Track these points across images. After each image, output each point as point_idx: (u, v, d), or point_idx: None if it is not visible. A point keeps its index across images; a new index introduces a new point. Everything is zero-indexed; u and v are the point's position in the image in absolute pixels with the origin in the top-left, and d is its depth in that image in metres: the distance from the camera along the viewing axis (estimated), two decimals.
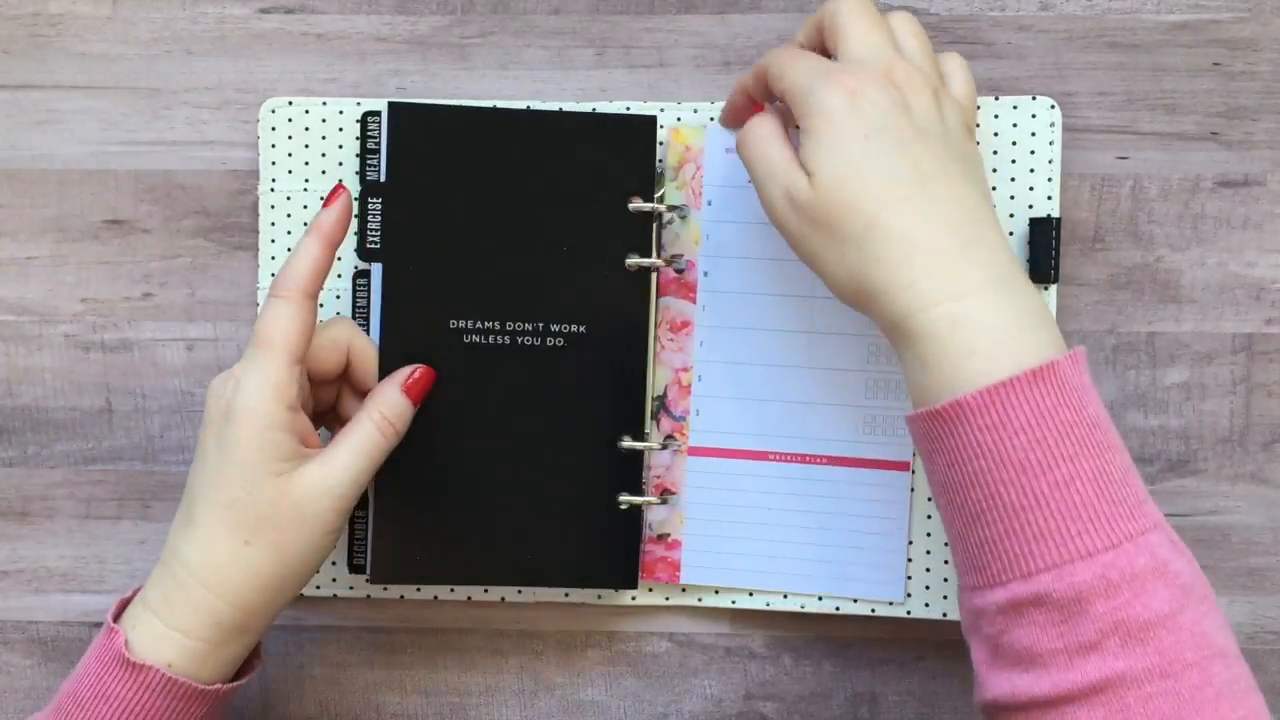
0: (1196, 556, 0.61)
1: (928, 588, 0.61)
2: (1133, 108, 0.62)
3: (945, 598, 0.62)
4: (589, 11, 0.63)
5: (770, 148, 0.52)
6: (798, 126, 0.51)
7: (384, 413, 0.55)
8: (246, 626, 0.54)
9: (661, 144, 0.61)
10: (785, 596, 0.62)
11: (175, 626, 0.52)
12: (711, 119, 0.62)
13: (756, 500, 0.60)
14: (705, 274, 0.60)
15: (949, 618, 0.61)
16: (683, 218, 0.60)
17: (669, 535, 0.60)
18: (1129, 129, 0.62)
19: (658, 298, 0.60)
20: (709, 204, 0.60)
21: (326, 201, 0.56)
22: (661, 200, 0.60)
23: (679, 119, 0.62)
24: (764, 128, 0.52)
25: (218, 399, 0.53)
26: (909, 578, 0.61)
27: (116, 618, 0.54)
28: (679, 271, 0.60)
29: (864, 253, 0.48)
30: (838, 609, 0.61)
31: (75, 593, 0.64)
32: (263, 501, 0.52)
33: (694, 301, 0.60)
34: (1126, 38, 0.62)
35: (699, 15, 0.63)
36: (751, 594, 0.61)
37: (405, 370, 0.57)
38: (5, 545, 0.65)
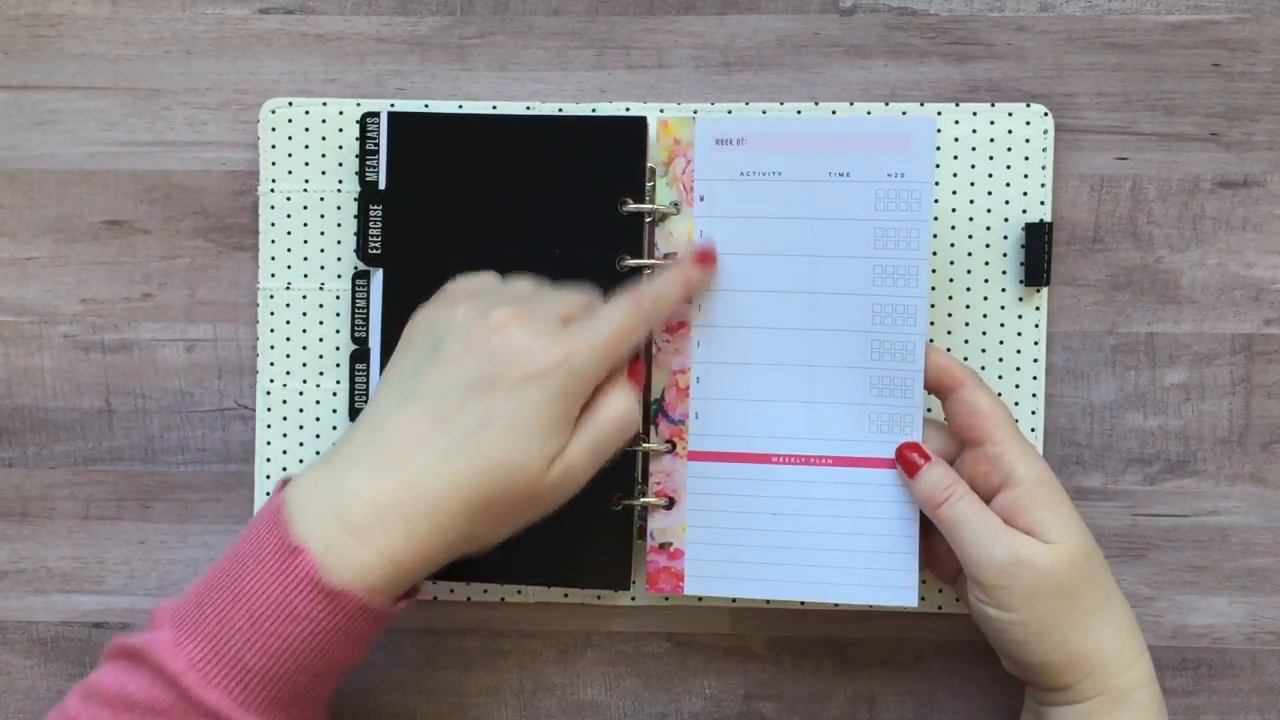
0: (1195, 557, 0.63)
1: (924, 581, 0.62)
2: (1132, 108, 0.63)
3: (940, 591, 0.62)
4: (588, 12, 0.64)
5: (981, 509, 0.55)
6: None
7: (617, 408, 0.54)
8: (450, 559, 0.52)
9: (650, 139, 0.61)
10: (803, 605, 0.62)
11: (390, 556, 0.50)
12: (696, 111, 0.62)
13: (760, 505, 0.59)
14: None
15: (944, 610, 0.62)
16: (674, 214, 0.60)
17: (671, 544, 0.60)
18: (1128, 130, 0.63)
19: None
20: (701, 199, 0.59)
21: (700, 259, 0.58)
22: (652, 198, 0.60)
23: (661, 110, 0.63)
24: (964, 486, 0.55)
25: (531, 354, 0.51)
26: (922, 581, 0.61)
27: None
28: None
29: (1103, 620, 0.54)
30: (837, 606, 0.62)
31: (75, 593, 0.65)
32: (529, 486, 0.51)
33: (690, 301, 0.60)
34: (1126, 38, 0.63)
35: (698, 16, 0.64)
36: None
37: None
38: (5, 545, 0.65)
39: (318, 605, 0.49)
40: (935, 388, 0.57)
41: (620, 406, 0.53)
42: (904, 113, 0.62)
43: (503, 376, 0.51)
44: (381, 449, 0.51)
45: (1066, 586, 0.53)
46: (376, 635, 0.51)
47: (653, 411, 0.60)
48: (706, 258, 0.58)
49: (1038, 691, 0.57)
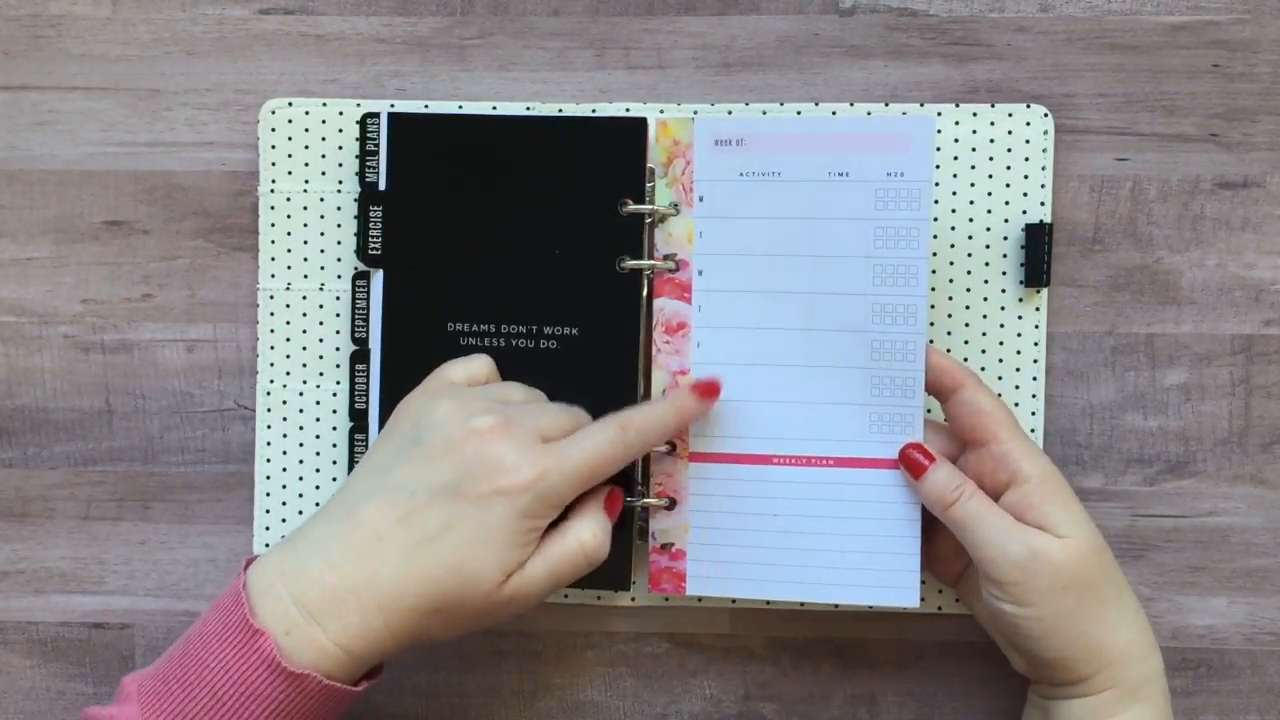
0: (1195, 557, 0.63)
1: (924, 581, 0.62)
2: (1132, 109, 0.63)
3: (940, 591, 0.63)
4: (588, 13, 0.64)
5: (992, 507, 0.55)
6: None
7: (584, 532, 0.55)
8: (404, 650, 0.53)
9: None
10: (802, 605, 0.62)
11: (342, 644, 0.51)
12: (696, 112, 0.63)
13: (761, 506, 0.59)
14: (700, 273, 0.59)
15: (944, 610, 0.62)
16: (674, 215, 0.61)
17: (673, 545, 0.60)
18: (1128, 130, 0.63)
19: (651, 299, 0.60)
20: (701, 200, 0.59)
21: (701, 390, 0.58)
22: (652, 199, 0.60)
23: (661, 110, 0.63)
24: (973, 485, 0.56)
25: (508, 466, 0.52)
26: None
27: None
28: (672, 271, 0.60)
29: (1118, 613, 0.55)
30: (837, 607, 0.62)
31: (75, 593, 0.65)
32: (482, 598, 0.52)
33: (689, 302, 0.60)
34: (1126, 39, 0.63)
35: (698, 17, 0.64)
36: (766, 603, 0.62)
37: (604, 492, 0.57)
38: (5, 545, 0.65)
39: (278, 687, 0.50)
40: (936, 389, 0.57)
41: (588, 536, 0.54)
42: (904, 113, 0.62)
43: (473, 486, 0.52)
44: (346, 537, 0.52)
45: (1082, 580, 0.54)
46: (339, 711, 0.53)
47: None
48: (709, 390, 0.58)
49: (1047, 687, 0.57)
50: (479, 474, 0.52)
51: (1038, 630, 0.54)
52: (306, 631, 0.51)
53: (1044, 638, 0.54)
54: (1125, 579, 0.56)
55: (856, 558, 0.58)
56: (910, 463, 0.57)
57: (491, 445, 0.52)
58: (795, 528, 0.59)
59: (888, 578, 0.58)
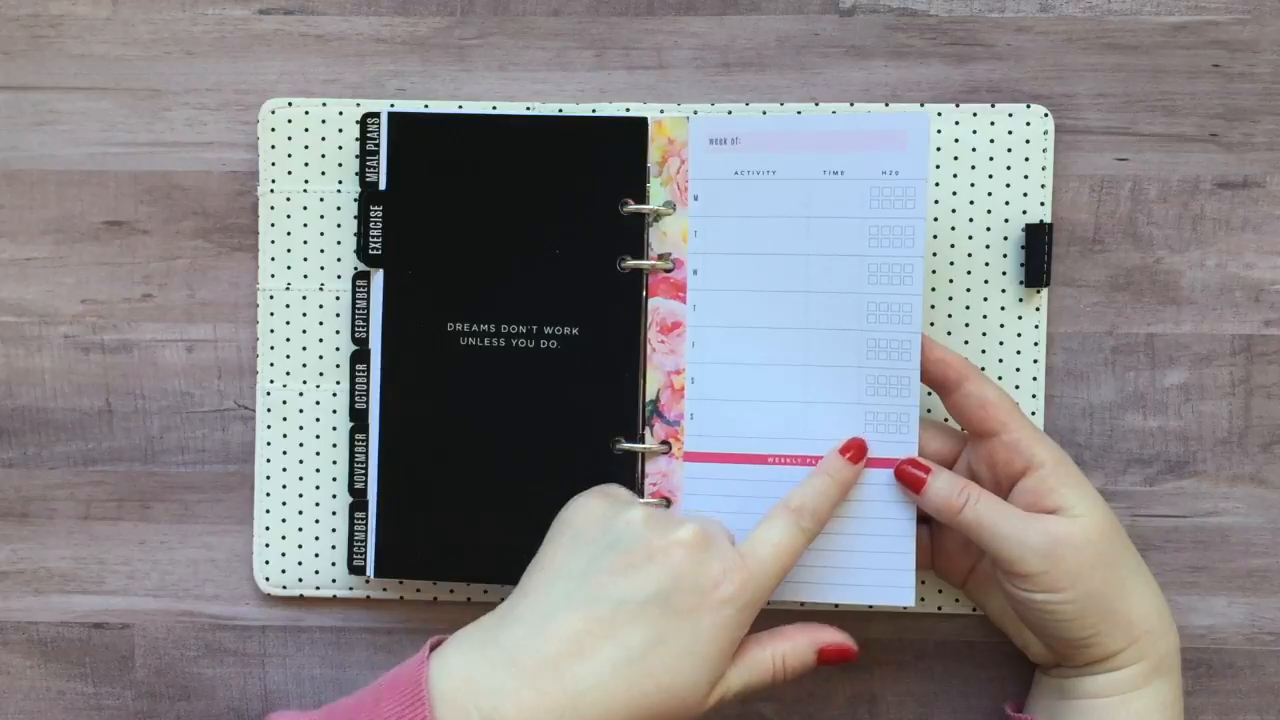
0: (1195, 557, 0.64)
1: (924, 582, 0.63)
2: (1132, 109, 0.64)
3: (940, 591, 0.63)
4: (588, 13, 0.65)
5: (1000, 503, 0.56)
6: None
7: (787, 658, 0.55)
8: None
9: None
10: (802, 605, 0.63)
11: None
12: (695, 111, 0.63)
13: (757, 506, 0.58)
14: (695, 272, 0.60)
15: (944, 610, 0.63)
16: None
17: None
18: (1128, 130, 0.64)
19: (646, 299, 0.61)
20: (695, 199, 0.60)
21: (853, 454, 0.58)
22: (647, 198, 0.61)
23: (661, 110, 0.64)
24: (975, 486, 0.57)
25: (705, 573, 0.52)
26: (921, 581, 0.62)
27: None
28: (668, 271, 0.61)
29: (1142, 584, 0.57)
30: (836, 606, 0.62)
31: (75, 593, 0.66)
32: (688, 713, 0.52)
33: (684, 301, 0.60)
34: (1126, 39, 0.64)
35: (698, 17, 0.65)
36: None
37: (828, 635, 0.57)
38: (5, 545, 0.66)
39: None
40: (939, 382, 0.58)
41: (792, 659, 0.55)
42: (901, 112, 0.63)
43: (681, 599, 0.51)
44: (543, 652, 0.50)
45: (1104, 556, 0.55)
46: None
47: (648, 412, 0.61)
48: (859, 452, 0.58)
49: (1069, 669, 0.58)
50: (688, 587, 0.51)
51: (1071, 613, 0.55)
52: None
53: (1077, 619, 0.55)
54: (1136, 550, 0.58)
55: (852, 557, 0.59)
56: (909, 479, 0.57)
57: (696, 556, 0.52)
58: (826, 458, 0.59)
59: (884, 577, 0.58)
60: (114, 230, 0.66)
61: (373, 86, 0.65)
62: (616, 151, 0.61)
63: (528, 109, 0.64)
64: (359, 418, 0.63)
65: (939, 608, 0.63)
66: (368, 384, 0.63)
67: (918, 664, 0.64)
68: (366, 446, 0.63)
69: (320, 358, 0.65)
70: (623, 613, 0.51)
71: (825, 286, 0.58)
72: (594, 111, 0.64)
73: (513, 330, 0.62)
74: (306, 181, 0.65)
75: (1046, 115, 0.63)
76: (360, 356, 0.63)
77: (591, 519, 0.54)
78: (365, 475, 0.63)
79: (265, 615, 0.66)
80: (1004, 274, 0.63)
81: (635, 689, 0.50)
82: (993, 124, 0.63)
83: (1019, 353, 0.63)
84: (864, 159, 0.57)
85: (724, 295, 0.60)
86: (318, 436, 0.65)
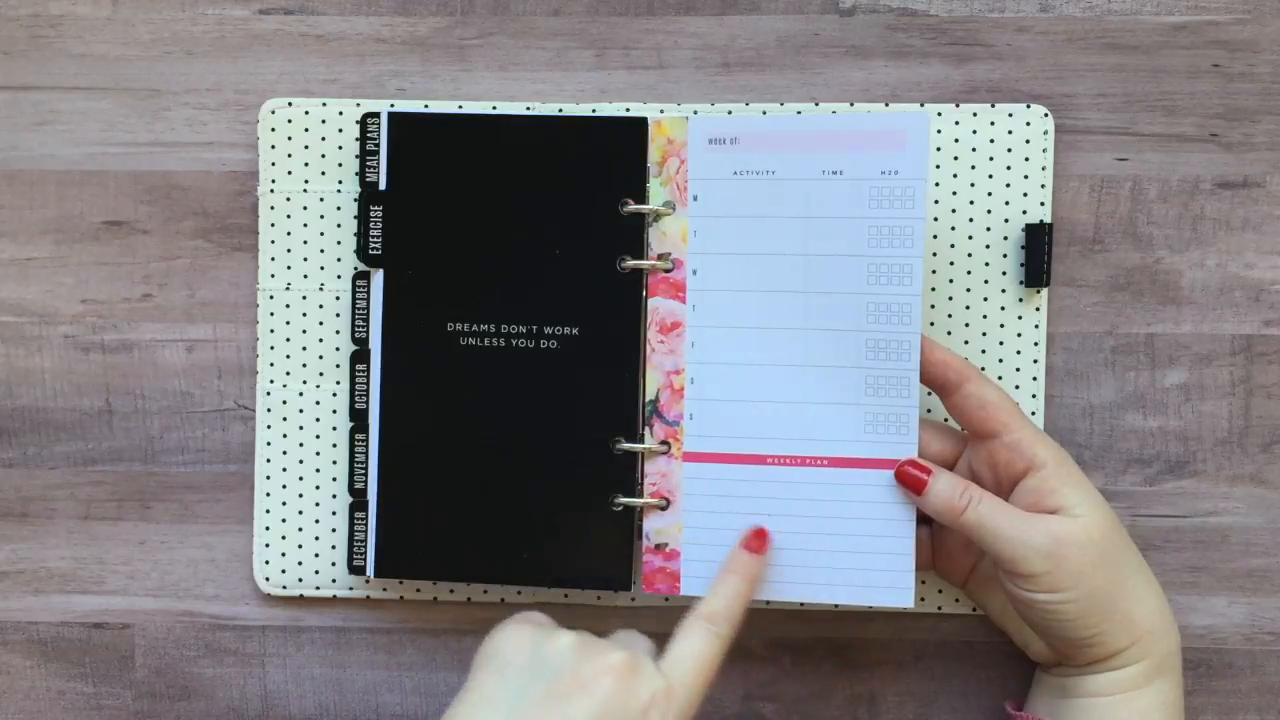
0: (1195, 557, 0.64)
1: (924, 582, 0.63)
2: (1132, 109, 0.64)
3: (940, 591, 0.64)
4: (588, 13, 0.65)
5: (1002, 505, 0.56)
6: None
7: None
8: None
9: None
10: (802, 605, 0.63)
11: None
12: (695, 111, 0.64)
13: (756, 506, 0.59)
14: (694, 272, 0.60)
15: (944, 610, 0.63)
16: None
17: (667, 545, 0.61)
18: (1128, 130, 0.64)
19: (646, 299, 0.61)
20: (695, 199, 0.60)
21: (753, 545, 0.58)
22: (646, 198, 0.61)
23: (661, 110, 0.64)
24: (976, 487, 0.57)
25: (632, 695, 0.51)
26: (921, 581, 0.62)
27: None
28: (667, 271, 0.61)
29: (1144, 583, 0.57)
30: (836, 606, 0.63)
31: (75, 593, 0.66)
32: None
33: (683, 301, 0.60)
34: (1126, 39, 0.64)
35: (698, 17, 0.65)
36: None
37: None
38: (5, 545, 0.66)
39: None
40: (940, 383, 0.58)
41: None
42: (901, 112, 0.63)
43: None
44: None
45: (1107, 555, 0.56)
46: None
47: (647, 412, 0.61)
48: (760, 542, 0.58)
49: (1070, 668, 0.58)
50: (618, 714, 0.51)
51: (1074, 612, 0.55)
52: None
53: (1080, 618, 0.55)
54: (1138, 549, 0.58)
55: (851, 558, 0.59)
56: (910, 480, 0.58)
57: (625, 683, 0.51)
58: (789, 528, 0.59)
59: (883, 578, 0.58)
60: (114, 230, 0.66)
61: (373, 86, 0.65)
62: (616, 151, 0.61)
63: (528, 109, 0.64)
64: (359, 418, 0.63)
65: (939, 608, 0.64)
66: (368, 384, 0.63)
67: (918, 664, 0.65)
68: (366, 446, 0.63)
69: (320, 358, 0.65)
70: None
71: (825, 287, 0.58)
72: (594, 111, 0.64)
73: (513, 330, 0.62)
74: (306, 181, 0.65)
75: (1046, 115, 0.63)
76: (360, 356, 0.63)
77: (518, 648, 0.53)
78: (365, 475, 0.63)
79: (265, 615, 0.66)
80: (1004, 274, 0.63)
81: None
82: (993, 124, 0.63)
83: (1019, 353, 0.63)
84: (863, 159, 0.57)
85: (723, 295, 0.60)
86: (318, 436, 0.65)
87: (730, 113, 0.64)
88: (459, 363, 0.62)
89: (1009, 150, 0.63)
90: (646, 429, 0.61)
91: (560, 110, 0.64)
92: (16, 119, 0.66)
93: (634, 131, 0.61)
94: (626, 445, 0.61)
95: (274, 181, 0.65)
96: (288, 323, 0.65)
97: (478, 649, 0.54)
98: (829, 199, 0.58)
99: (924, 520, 0.59)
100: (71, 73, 0.66)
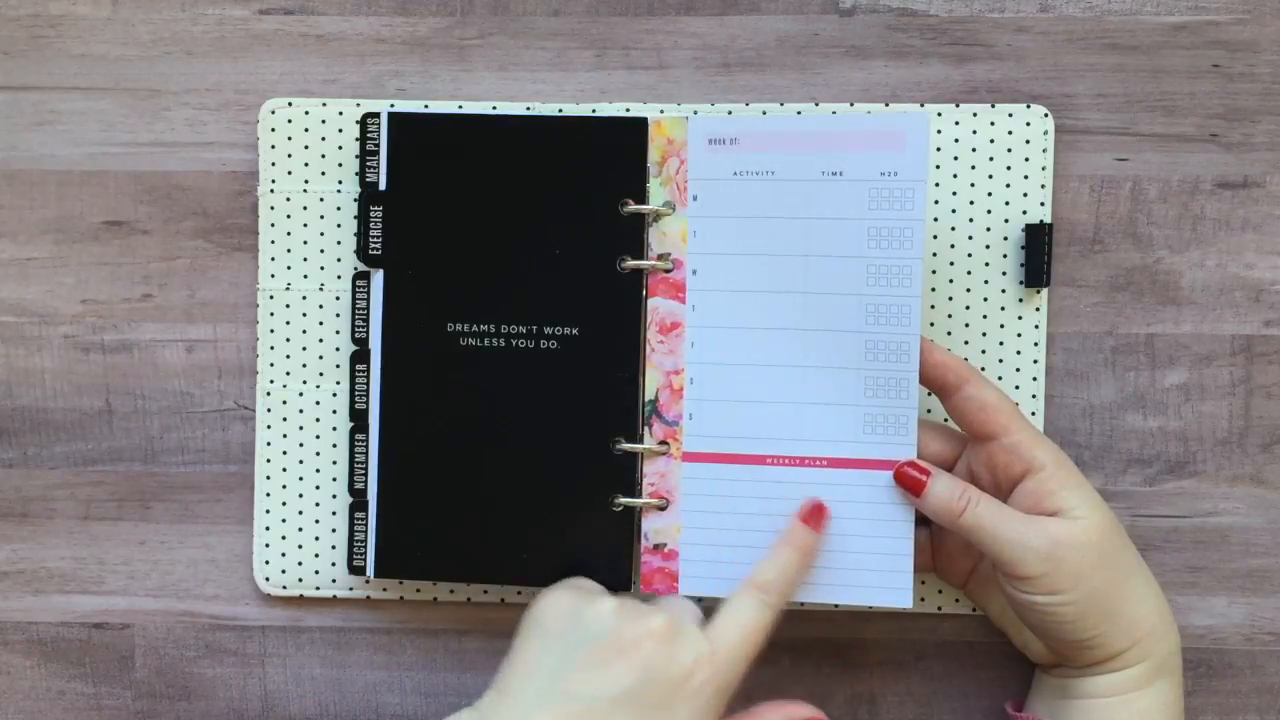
0: (1195, 557, 0.64)
1: (924, 582, 0.63)
2: (1132, 109, 0.64)
3: (940, 591, 0.64)
4: (588, 13, 0.65)
5: (1001, 507, 0.56)
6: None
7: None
8: None
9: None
10: (802, 605, 0.63)
11: None
12: (695, 112, 0.64)
13: (755, 506, 0.59)
14: (694, 272, 0.60)
15: (944, 610, 0.63)
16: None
17: (665, 545, 0.61)
18: (1128, 131, 0.64)
19: (646, 299, 0.61)
20: (695, 199, 0.60)
21: (811, 519, 0.58)
22: (646, 198, 0.61)
23: (661, 110, 0.64)
24: (975, 489, 0.57)
25: (674, 660, 0.52)
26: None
27: None
28: (667, 271, 0.61)
29: (1143, 585, 0.57)
30: (836, 606, 0.63)
31: (75, 593, 0.66)
32: None
33: (683, 301, 0.60)
34: (1126, 39, 0.64)
35: (698, 17, 0.65)
36: None
37: (800, 711, 0.57)
38: (5, 545, 0.67)
39: None
40: (940, 385, 0.58)
41: None
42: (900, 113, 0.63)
43: (655, 691, 0.51)
44: None
45: (1106, 557, 0.56)
46: None
47: (647, 413, 0.61)
48: (818, 517, 0.58)
49: (1070, 669, 0.58)
50: (660, 679, 0.51)
51: (1072, 614, 0.55)
52: None
53: (1078, 620, 0.56)
54: (1137, 550, 0.58)
55: (850, 558, 0.59)
56: (909, 481, 0.58)
57: (667, 648, 0.51)
58: (789, 528, 0.59)
59: (882, 578, 0.59)
60: (114, 230, 0.66)
61: (373, 86, 0.65)
62: (616, 151, 0.61)
63: (528, 109, 0.64)
64: (359, 418, 0.63)
65: (939, 608, 0.64)
66: (368, 384, 0.63)
67: (918, 664, 0.65)
68: (366, 446, 0.63)
69: (320, 358, 0.65)
70: (597, 710, 0.51)
71: (824, 288, 0.58)
72: (594, 111, 0.64)
73: (513, 330, 0.62)
74: (306, 181, 0.65)
75: (1046, 115, 0.63)
76: (360, 356, 0.63)
77: (560, 614, 0.54)
78: (365, 475, 0.63)
79: (265, 615, 0.66)
80: (1004, 274, 0.63)
81: None
82: (993, 124, 0.63)
83: (1019, 353, 0.63)
84: (863, 159, 0.57)
85: (723, 296, 0.60)
86: (318, 436, 0.65)
87: (730, 113, 0.64)
88: (459, 363, 0.62)
89: (1009, 150, 0.63)
90: (646, 429, 0.61)
91: (560, 110, 0.64)
92: (16, 119, 0.66)
93: (634, 132, 0.61)
94: (626, 445, 0.61)
95: (274, 181, 0.65)
96: (288, 323, 0.65)
97: (522, 617, 0.55)
98: (829, 200, 0.58)
99: (924, 522, 0.59)
100: (71, 73, 0.66)
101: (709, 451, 0.60)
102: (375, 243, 0.63)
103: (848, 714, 0.65)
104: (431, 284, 0.62)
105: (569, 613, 0.54)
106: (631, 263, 0.61)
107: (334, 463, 0.65)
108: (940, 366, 0.58)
